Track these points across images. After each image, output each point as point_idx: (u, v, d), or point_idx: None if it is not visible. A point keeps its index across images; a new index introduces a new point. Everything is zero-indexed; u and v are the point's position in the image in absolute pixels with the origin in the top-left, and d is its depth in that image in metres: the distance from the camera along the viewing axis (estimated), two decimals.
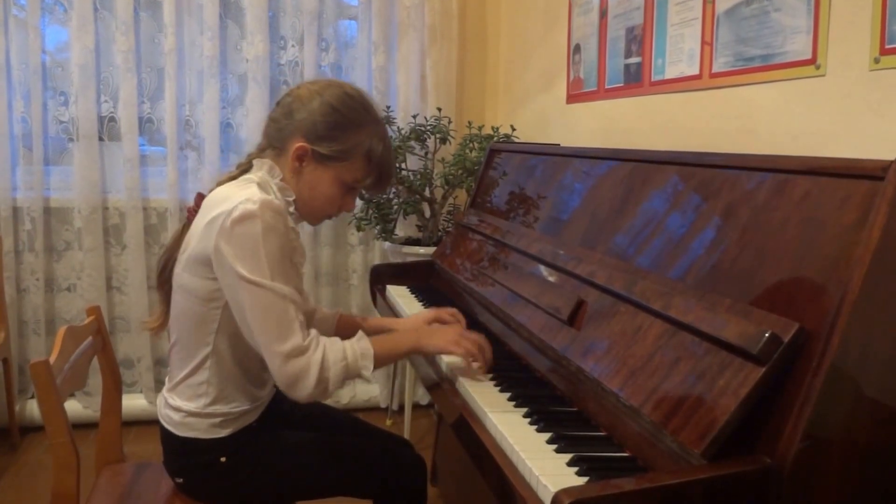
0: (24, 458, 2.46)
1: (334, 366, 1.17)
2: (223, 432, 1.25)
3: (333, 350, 1.18)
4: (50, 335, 2.66)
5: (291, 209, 1.28)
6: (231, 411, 1.25)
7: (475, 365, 1.25)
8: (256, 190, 1.19)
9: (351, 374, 1.19)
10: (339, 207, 1.32)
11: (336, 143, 1.24)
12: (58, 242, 2.68)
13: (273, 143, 1.29)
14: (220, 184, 1.28)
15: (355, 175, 1.27)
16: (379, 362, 1.22)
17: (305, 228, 2.80)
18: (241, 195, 1.16)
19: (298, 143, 1.24)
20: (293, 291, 1.17)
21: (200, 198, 1.28)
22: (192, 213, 1.28)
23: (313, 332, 1.19)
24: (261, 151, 1.31)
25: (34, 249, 2.61)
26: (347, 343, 1.21)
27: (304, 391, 1.15)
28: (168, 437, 1.28)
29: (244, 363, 1.24)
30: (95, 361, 1.47)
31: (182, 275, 1.23)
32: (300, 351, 1.15)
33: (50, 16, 2.62)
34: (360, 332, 1.25)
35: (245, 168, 1.31)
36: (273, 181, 1.26)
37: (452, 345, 1.25)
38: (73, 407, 2.66)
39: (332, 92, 1.26)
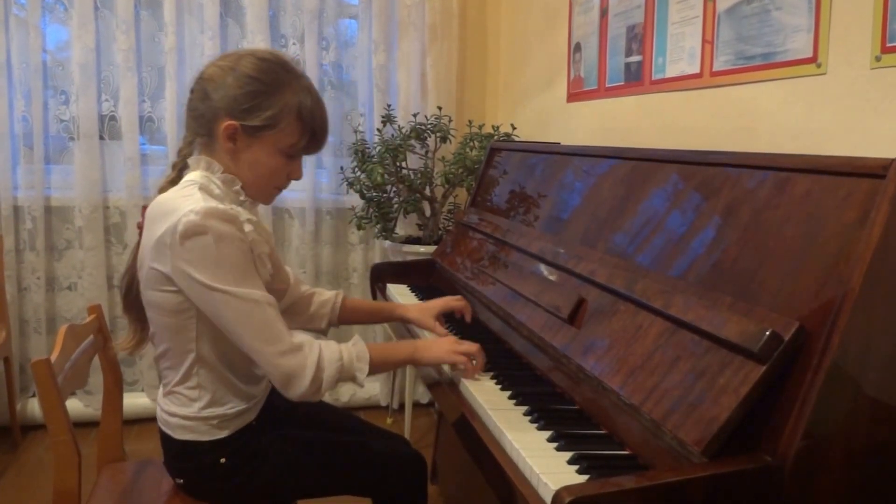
0: (25, 456, 2.47)
1: (329, 366, 1.16)
2: (222, 433, 1.25)
3: (329, 351, 1.18)
4: (51, 334, 2.66)
5: (242, 197, 1.24)
6: (227, 412, 1.25)
7: (471, 368, 1.25)
8: (199, 197, 1.14)
9: (345, 375, 1.19)
10: (286, 177, 1.27)
11: (263, 111, 1.19)
12: (59, 241, 2.68)
13: (199, 132, 1.23)
14: (161, 190, 1.24)
15: (291, 139, 1.21)
16: (374, 368, 1.22)
17: (306, 228, 2.80)
18: (183, 206, 1.12)
19: (225, 123, 1.18)
20: (265, 294, 1.15)
21: (145, 210, 1.23)
22: (142, 226, 1.24)
23: (303, 335, 1.18)
24: (189, 145, 1.26)
25: (35, 248, 2.61)
26: (343, 345, 1.20)
27: (298, 389, 1.15)
28: (167, 441, 1.28)
29: (232, 363, 1.23)
30: (96, 360, 1.47)
31: (146, 292, 1.21)
32: (293, 349, 1.14)
33: (50, 15, 2.62)
34: (357, 336, 1.25)
35: (182, 166, 1.26)
36: (214, 176, 1.21)
37: (449, 355, 1.25)
38: (74, 405, 2.66)
39: (245, 62, 1.21)
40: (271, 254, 1.31)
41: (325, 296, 1.50)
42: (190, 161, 1.25)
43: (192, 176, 1.22)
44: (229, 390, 1.25)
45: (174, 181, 1.25)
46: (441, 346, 1.27)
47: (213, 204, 1.13)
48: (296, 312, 1.47)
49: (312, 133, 1.23)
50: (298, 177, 1.28)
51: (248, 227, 1.17)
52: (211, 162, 1.22)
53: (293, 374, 1.14)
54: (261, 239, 1.22)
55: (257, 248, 1.20)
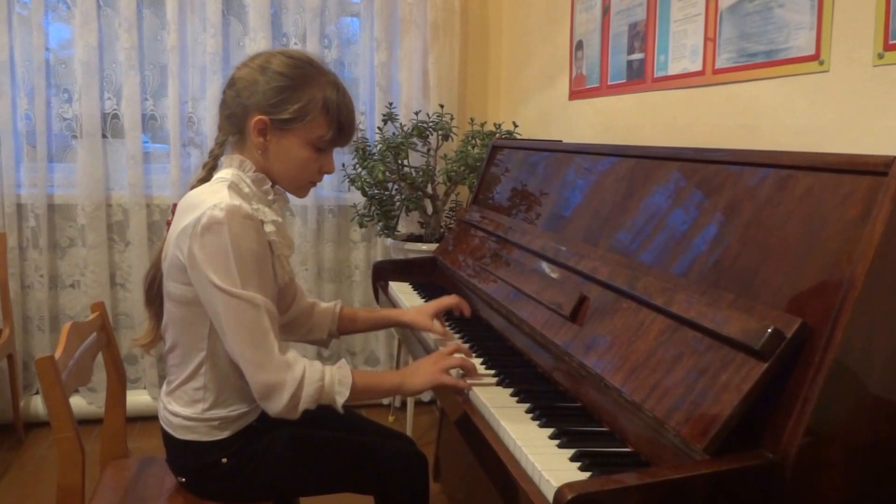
0: (28, 453, 2.47)
1: (308, 385, 1.16)
2: (223, 434, 1.25)
3: (312, 370, 1.18)
4: (54, 332, 2.67)
5: (271, 197, 1.26)
6: (229, 414, 1.25)
7: (462, 384, 1.22)
8: (226, 194, 1.17)
9: (325, 397, 1.18)
10: (318, 170, 1.29)
11: (291, 104, 1.21)
12: (62, 239, 2.69)
13: (231, 130, 1.26)
14: (192, 187, 1.26)
15: (319, 132, 1.24)
16: (356, 394, 1.21)
17: (308, 226, 2.80)
18: (210, 201, 1.15)
19: (255, 118, 1.22)
20: (267, 301, 1.16)
21: (176, 208, 1.25)
22: (170, 224, 1.26)
23: (293, 352, 1.18)
24: (220, 145, 1.29)
25: (38, 246, 2.62)
26: (328, 367, 1.21)
27: (276, 405, 1.15)
28: (169, 439, 1.28)
29: None
30: (99, 357, 1.47)
31: (167, 283, 1.23)
32: (278, 363, 1.15)
33: (53, 13, 2.62)
34: (343, 360, 1.25)
35: (212, 166, 1.29)
36: (246, 175, 1.24)
37: (436, 376, 1.23)
38: (78, 403, 2.67)
39: (275, 61, 1.24)
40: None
41: (325, 306, 1.51)
42: (223, 159, 1.28)
43: (223, 173, 1.25)
44: (234, 392, 1.25)
45: (204, 180, 1.27)
46: (426, 371, 1.24)
47: (238, 203, 1.15)
48: (298, 324, 1.48)
49: (339, 126, 1.26)
50: (331, 170, 1.31)
51: (269, 229, 1.19)
52: (244, 160, 1.25)
53: (273, 387, 1.14)
54: (282, 242, 1.24)
55: (277, 249, 1.22)
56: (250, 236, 1.14)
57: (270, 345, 1.15)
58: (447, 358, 1.25)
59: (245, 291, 1.13)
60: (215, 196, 1.16)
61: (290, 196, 1.34)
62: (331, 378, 1.19)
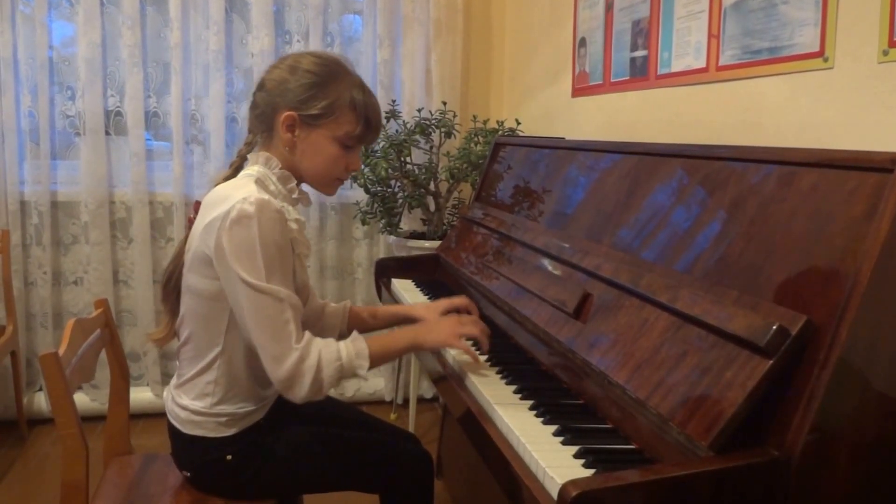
0: (32, 450, 2.48)
1: (328, 367, 1.18)
2: (229, 431, 1.25)
3: (328, 351, 1.19)
4: (57, 328, 2.67)
5: (295, 195, 1.29)
6: (236, 412, 1.25)
7: (479, 354, 1.26)
8: (254, 188, 1.18)
9: (346, 373, 1.20)
10: (345, 168, 1.30)
11: (320, 99, 1.24)
12: (65, 236, 2.69)
13: (260, 128, 1.29)
14: (216, 184, 1.27)
15: (346, 128, 1.26)
16: (375, 361, 1.23)
17: (311, 223, 2.80)
18: (238, 195, 1.16)
19: (284, 114, 1.24)
20: (291, 294, 1.17)
21: (199, 205, 1.27)
22: (192, 221, 1.28)
23: (307, 334, 1.19)
24: (248, 145, 1.32)
25: (41, 243, 2.63)
26: (342, 343, 1.22)
27: (299, 392, 1.17)
28: (175, 433, 1.29)
29: (254, 362, 1.24)
30: (103, 354, 1.47)
31: (188, 276, 1.24)
32: (295, 354, 1.16)
33: (56, 11, 2.62)
34: (355, 332, 1.26)
35: (238, 165, 1.31)
36: (272, 172, 1.26)
37: (452, 338, 1.26)
38: (81, 400, 2.67)
39: (305, 60, 1.27)
40: None
41: (335, 307, 1.53)
42: (250, 156, 1.30)
43: (250, 170, 1.27)
44: (243, 390, 1.26)
45: (230, 178, 1.28)
46: (443, 329, 1.28)
47: (267, 197, 1.17)
48: (309, 325, 1.48)
49: (367, 121, 1.28)
50: (357, 168, 1.33)
51: (293, 226, 1.21)
52: (270, 158, 1.27)
53: (292, 378, 1.16)
54: (302, 241, 1.25)
55: (298, 247, 1.24)
56: (277, 230, 1.16)
57: (288, 336, 1.16)
58: (465, 325, 1.28)
59: (270, 285, 1.15)
60: (243, 190, 1.18)
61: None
62: (348, 354, 1.21)
